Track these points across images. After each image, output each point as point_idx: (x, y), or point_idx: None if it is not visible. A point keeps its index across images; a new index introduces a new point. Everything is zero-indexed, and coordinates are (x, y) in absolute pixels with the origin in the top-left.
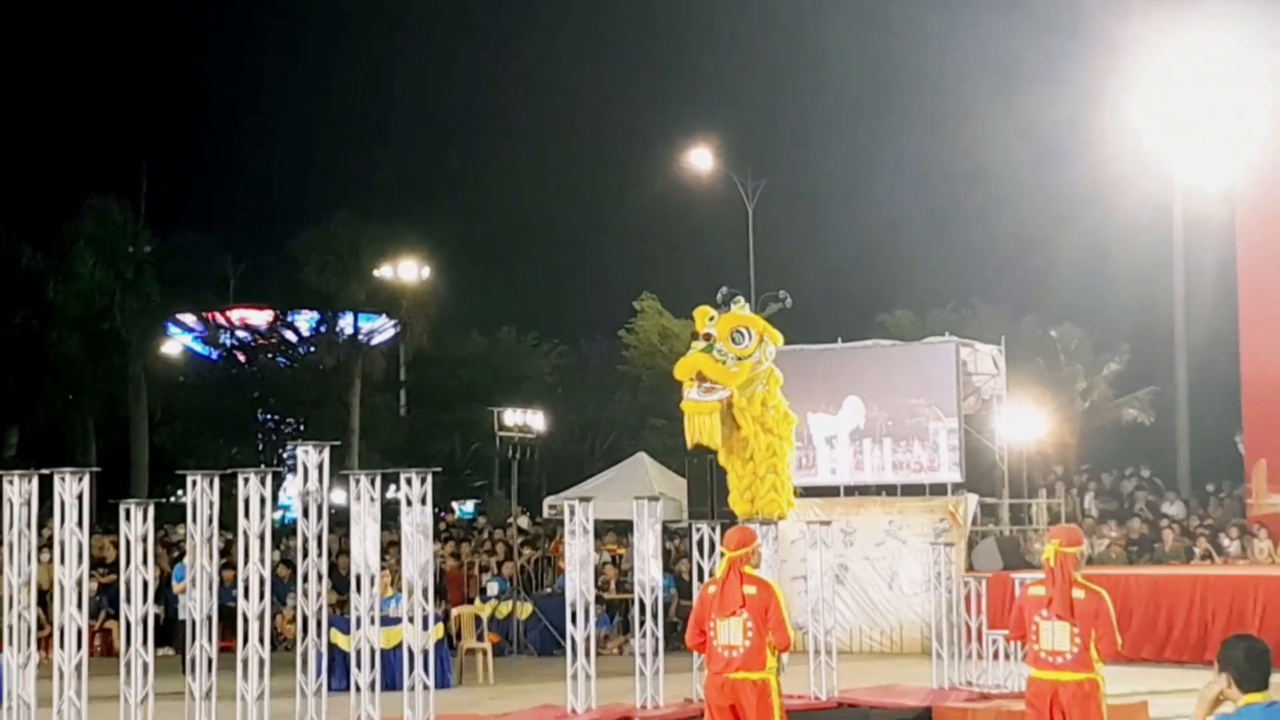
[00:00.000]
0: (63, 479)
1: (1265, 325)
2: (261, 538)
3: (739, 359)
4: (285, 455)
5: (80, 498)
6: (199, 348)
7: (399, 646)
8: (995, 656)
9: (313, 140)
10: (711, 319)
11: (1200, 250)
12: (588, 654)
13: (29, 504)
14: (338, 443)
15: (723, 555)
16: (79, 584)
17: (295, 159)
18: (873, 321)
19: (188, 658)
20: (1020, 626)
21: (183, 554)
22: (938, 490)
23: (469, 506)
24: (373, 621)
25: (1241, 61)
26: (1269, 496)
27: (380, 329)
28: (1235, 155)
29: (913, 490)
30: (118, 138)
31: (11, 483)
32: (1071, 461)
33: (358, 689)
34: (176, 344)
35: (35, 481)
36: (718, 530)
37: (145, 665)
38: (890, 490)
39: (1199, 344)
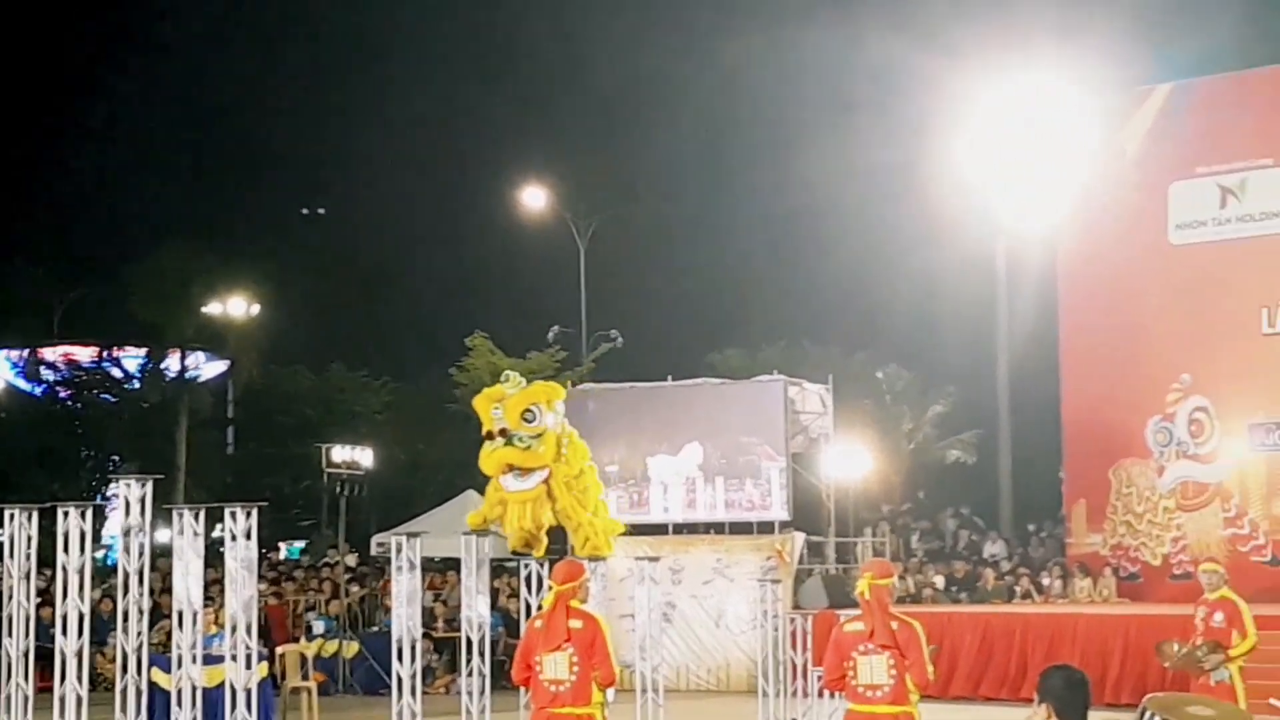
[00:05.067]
0: None
1: (1085, 369)
2: (81, 573)
3: (538, 436)
4: (108, 493)
5: None
6: (21, 383)
7: (221, 685)
8: (820, 694)
9: (142, 171)
10: (496, 409)
11: (1023, 294)
12: (414, 692)
13: None
14: (160, 476)
15: (550, 589)
16: None
17: (124, 189)
18: (704, 360)
19: (1, 697)
20: (837, 667)
21: None
22: (765, 528)
23: (297, 546)
24: (195, 659)
25: (1064, 105)
26: (1088, 536)
27: (208, 365)
28: (1056, 199)
29: (740, 528)
30: None
31: None
32: (897, 500)
33: None
34: None
35: None
36: (546, 567)
37: None
38: (718, 528)
39: (1022, 386)
